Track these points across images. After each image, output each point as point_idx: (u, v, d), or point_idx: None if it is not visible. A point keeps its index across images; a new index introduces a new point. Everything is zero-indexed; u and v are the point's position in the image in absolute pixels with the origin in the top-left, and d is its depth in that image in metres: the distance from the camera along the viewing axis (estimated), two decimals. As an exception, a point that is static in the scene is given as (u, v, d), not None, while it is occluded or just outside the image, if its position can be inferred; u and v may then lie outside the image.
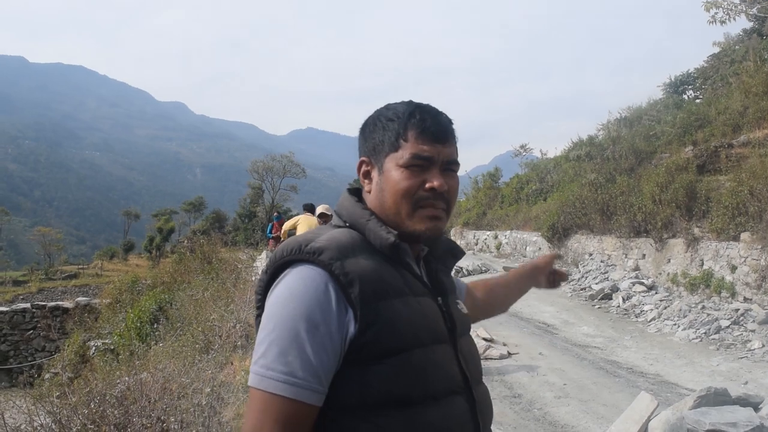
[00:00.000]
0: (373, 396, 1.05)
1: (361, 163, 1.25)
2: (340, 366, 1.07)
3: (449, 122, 1.24)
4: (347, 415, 1.06)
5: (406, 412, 1.06)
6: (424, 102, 1.25)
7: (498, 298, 1.69)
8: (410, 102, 1.24)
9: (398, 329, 1.08)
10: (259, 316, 1.16)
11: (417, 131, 1.18)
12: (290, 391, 1.03)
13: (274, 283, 1.13)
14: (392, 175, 1.18)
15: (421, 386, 1.08)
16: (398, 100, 1.27)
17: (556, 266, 1.77)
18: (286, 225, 10.72)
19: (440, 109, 1.24)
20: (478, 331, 8.01)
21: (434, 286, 1.25)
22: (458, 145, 1.24)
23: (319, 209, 9.07)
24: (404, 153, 1.18)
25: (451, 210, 1.24)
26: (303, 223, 10.08)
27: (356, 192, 1.28)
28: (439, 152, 1.19)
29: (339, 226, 1.22)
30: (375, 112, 1.26)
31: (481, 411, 1.19)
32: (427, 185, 1.18)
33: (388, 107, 1.24)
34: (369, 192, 1.23)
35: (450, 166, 1.22)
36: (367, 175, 1.24)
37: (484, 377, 1.29)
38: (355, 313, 1.06)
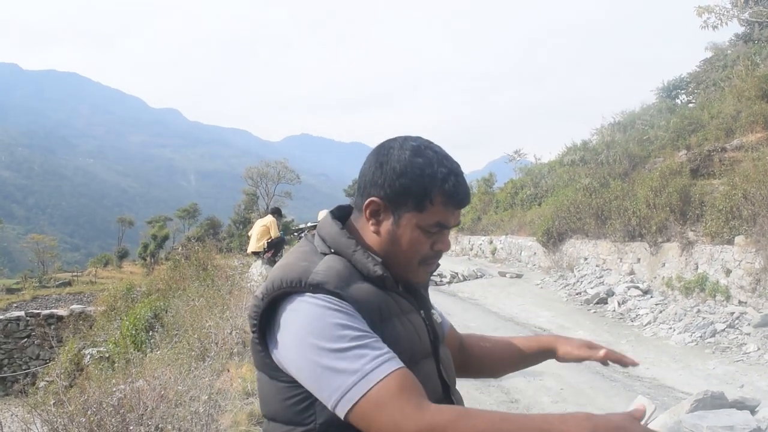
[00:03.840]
0: None
1: (371, 202, 1.19)
2: None
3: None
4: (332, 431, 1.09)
5: None
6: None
7: (496, 366, 1.57)
8: (444, 160, 1.19)
9: (398, 349, 1.09)
10: (255, 340, 1.16)
11: (446, 199, 1.17)
12: (386, 367, 1.03)
13: (278, 316, 1.12)
14: (408, 233, 1.18)
15: None
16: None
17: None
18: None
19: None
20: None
21: (416, 301, 1.28)
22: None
23: (320, 215, 9.22)
24: (428, 217, 1.17)
25: None
26: (255, 226, 10.62)
27: (339, 215, 1.28)
28: (456, 218, 1.21)
29: (325, 253, 1.20)
30: (402, 150, 1.19)
31: None
32: (436, 248, 1.21)
33: (418, 153, 1.18)
34: (375, 233, 1.20)
35: None
36: (377, 215, 1.19)
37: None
38: None
